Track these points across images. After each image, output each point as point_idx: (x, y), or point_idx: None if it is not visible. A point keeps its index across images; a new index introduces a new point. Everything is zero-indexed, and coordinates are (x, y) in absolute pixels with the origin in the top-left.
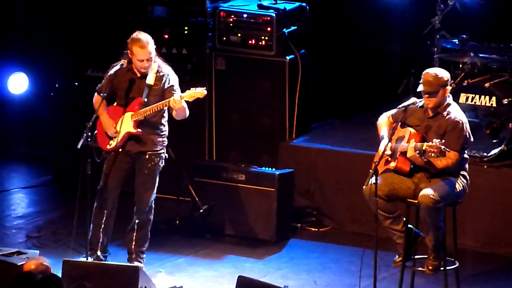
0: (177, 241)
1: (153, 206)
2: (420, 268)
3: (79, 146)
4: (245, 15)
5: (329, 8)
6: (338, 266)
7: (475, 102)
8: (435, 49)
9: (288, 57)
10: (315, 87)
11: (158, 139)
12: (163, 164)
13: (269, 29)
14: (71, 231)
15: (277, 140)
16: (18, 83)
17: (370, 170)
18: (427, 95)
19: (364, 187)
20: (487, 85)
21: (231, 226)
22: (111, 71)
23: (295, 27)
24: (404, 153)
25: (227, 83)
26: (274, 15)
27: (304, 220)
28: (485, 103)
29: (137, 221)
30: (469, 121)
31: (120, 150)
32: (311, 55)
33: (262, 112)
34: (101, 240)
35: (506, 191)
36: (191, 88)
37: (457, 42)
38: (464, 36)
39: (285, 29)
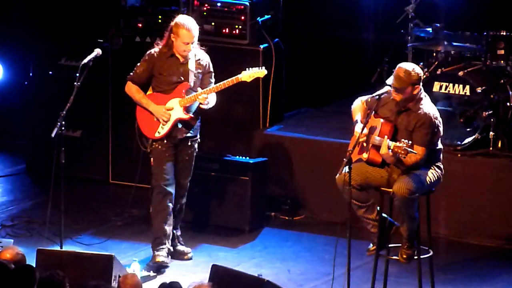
0: (151, 230)
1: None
2: (394, 257)
3: (53, 135)
4: (218, 4)
5: None
6: (312, 255)
7: (448, 91)
8: (409, 37)
9: (261, 46)
10: (289, 76)
11: (198, 124)
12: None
13: (242, 17)
14: (45, 220)
15: (251, 128)
16: None
17: (344, 159)
18: (395, 90)
19: (337, 176)
20: (460, 73)
21: (205, 215)
22: (146, 58)
23: (269, 16)
24: (376, 146)
25: None
26: (247, 3)
27: (278, 208)
28: (459, 91)
29: (178, 205)
30: (442, 110)
31: (166, 141)
32: (284, 44)
33: (235, 101)
34: (168, 233)
35: (480, 180)
36: (247, 68)
37: (430, 31)
38: (438, 24)
39: (258, 18)
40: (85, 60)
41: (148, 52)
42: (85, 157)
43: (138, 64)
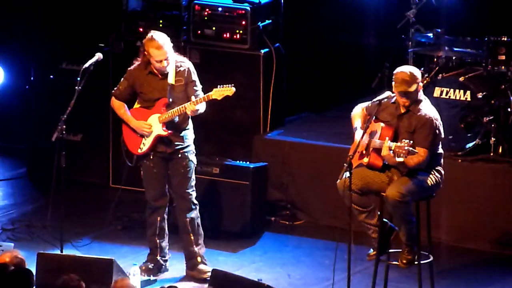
0: None
1: (197, 202)
2: (394, 262)
3: (53, 139)
4: (219, 9)
5: (304, 1)
6: (312, 260)
7: (449, 96)
8: (410, 43)
9: (262, 51)
10: (289, 81)
11: (186, 134)
12: (196, 158)
13: (243, 22)
14: (46, 224)
15: (251, 133)
16: None
17: (344, 164)
18: (405, 95)
19: (338, 181)
20: (461, 79)
21: (205, 219)
22: (126, 75)
23: (270, 21)
24: (376, 150)
25: (201, 77)
26: (248, 8)
27: (278, 213)
28: (460, 97)
29: (187, 219)
30: (443, 115)
31: (152, 156)
32: (285, 49)
33: (236, 106)
34: (158, 245)
35: (480, 185)
36: (218, 86)
37: (431, 36)
38: (439, 30)
39: (259, 22)
40: (86, 64)
41: (128, 69)
42: (86, 161)
43: (121, 80)
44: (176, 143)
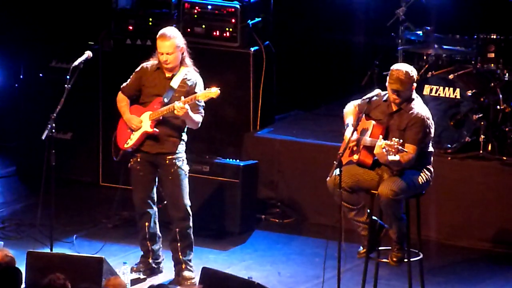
0: None
1: (190, 212)
2: (384, 260)
3: (43, 137)
4: (209, 7)
5: None
6: (302, 258)
7: (439, 94)
8: (399, 40)
9: (252, 49)
10: (279, 79)
11: (178, 143)
12: (188, 167)
13: (233, 20)
14: (35, 222)
15: (242, 131)
16: None
17: (334, 162)
18: (396, 93)
19: (327, 178)
20: (451, 76)
21: (195, 218)
22: (137, 69)
23: (260, 19)
24: (367, 147)
25: None
26: (238, 6)
27: (268, 211)
28: (449, 94)
29: (177, 229)
30: (432, 113)
31: (139, 159)
32: (275, 47)
33: (226, 104)
34: (149, 248)
35: (470, 183)
36: (207, 88)
37: (421, 34)
38: (428, 27)
39: (249, 20)
40: (76, 63)
41: (141, 64)
42: (76, 160)
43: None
44: (162, 146)
